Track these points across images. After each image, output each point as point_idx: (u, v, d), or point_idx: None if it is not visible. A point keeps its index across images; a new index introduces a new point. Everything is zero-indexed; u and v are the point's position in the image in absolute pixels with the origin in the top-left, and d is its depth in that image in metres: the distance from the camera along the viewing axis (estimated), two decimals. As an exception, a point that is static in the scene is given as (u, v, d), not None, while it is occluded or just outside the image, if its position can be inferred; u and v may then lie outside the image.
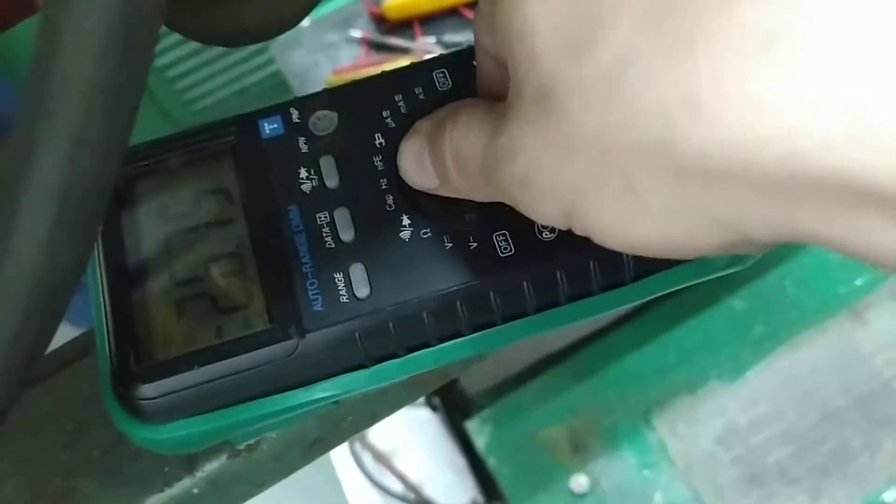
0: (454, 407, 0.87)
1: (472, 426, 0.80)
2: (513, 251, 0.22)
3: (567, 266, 0.22)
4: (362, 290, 0.22)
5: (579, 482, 0.76)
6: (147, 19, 0.12)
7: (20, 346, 0.14)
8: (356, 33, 0.93)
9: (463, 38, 0.89)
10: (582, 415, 0.79)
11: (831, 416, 0.76)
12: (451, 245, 0.23)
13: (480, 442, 0.79)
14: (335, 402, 0.25)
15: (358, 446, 0.87)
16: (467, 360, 0.28)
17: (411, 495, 0.84)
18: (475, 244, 0.23)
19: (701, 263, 0.23)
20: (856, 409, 0.76)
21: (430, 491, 0.85)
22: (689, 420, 0.78)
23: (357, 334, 0.22)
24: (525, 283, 0.22)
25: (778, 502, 0.74)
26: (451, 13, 0.91)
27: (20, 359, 0.14)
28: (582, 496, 0.75)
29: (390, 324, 0.22)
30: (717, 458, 0.76)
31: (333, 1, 0.96)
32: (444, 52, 0.26)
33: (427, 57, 0.26)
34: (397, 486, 0.85)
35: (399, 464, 0.86)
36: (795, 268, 0.81)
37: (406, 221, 0.23)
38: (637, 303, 0.24)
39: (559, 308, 0.23)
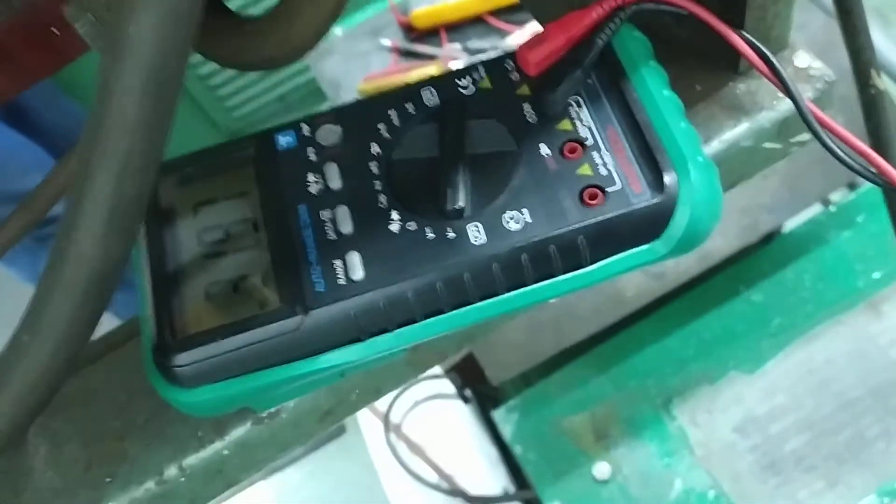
0: (486, 398, 0.90)
1: (498, 415, 0.83)
2: (485, 240, 0.26)
3: (530, 250, 0.26)
4: (357, 274, 0.26)
5: (601, 469, 0.78)
6: (174, 77, 0.16)
7: (80, 318, 0.18)
8: (386, 42, 0.97)
9: (487, 44, 0.93)
10: (604, 404, 0.81)
11: (848, 406, 0.78)
12: (432, 236, 0.27)
13: (507, 430, 0.82)
14: (341, 374, 0.29)
15: (393, 437, 0.91)
16: (456, 337, 0.32)
17: (445, 484, 0.87)
18: (453, 234, 0.27)
19: (643, 252, 0.27)
20: (872, 398, 0.78)
21: (463, 480, 0.87)
22: (708, 409, 0.80)
23: (353, 311, 0.26)
24: (494, 266, 0.26)
25: (795, 489, 0.76)
26: (476, 21, 0.95)
27: (79, 329, 0.19)
28: (604, 482, 0.78)
29: (381, 303, 0.26)
30: (735, 447, 0.78)
31: (364, 11, 1.01)
32: (433, 74, 0.30)
33: (413, 80, 0.30)
34: (432, 476, 0.87)
35: (433, 454, 0.89)
36: (814, 261, 0.83)
37: (395, 216, 0.27)
38: (596, 283, 0.27)
39: (527, 288, 0.27)
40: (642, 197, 0.26)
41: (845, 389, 0.79)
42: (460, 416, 0.92)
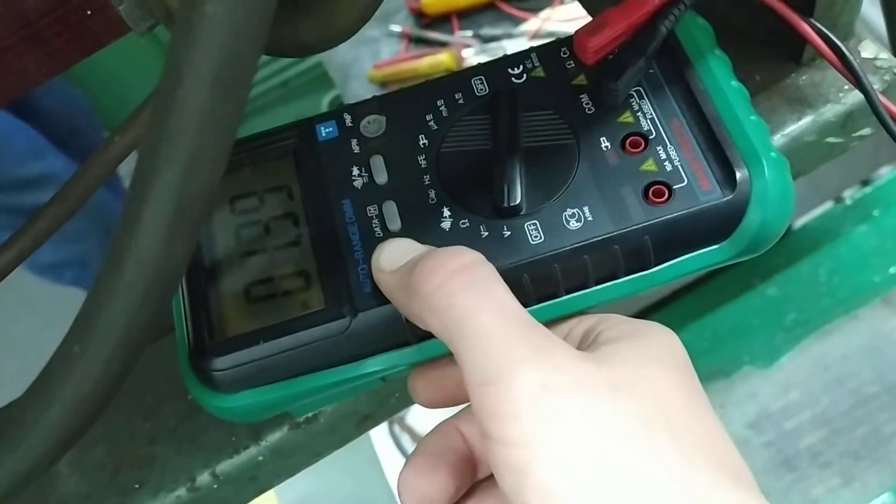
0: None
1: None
2: (542, 238, 0.25)
3: (593, 250, 0.25)
4: None
5: (613, 464, 0.77)
6: (249, 64, 0.15)
7: (138, 325, 0.17)
8: (396, 28, 0.95)
9: (500, 31, 0.91)
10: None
11: (864, 402, 0.77)
12: (486, 234, 0.25)
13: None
14: (382, 379, 0.27)
15: (397, 428, 0.90)
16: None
17: (449, 476, 0.86)
18: (508, 233, 0.25)
19: (712, 253, 0.25)
20: (888, 395, 0.77)
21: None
22: (722, 404, 0.79)
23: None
24: (554, 266, 0.25)
25: (810, 485, 0.75)
26: (488, 7, 0.93)
27: (137, 337, 0.17)
28: (616, 477, 0.77)
29: None
30: (749, 442, 0.77)
31: (373, -3, 0.99)
32: (482, 60, 0.29)
33: (467, 65, 0.29)
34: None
35: (437, 446, 0.88)
36: (829, 256, 0.82)
37: (447, 213, 0.26)
38: (660, 285, 0.26)
39: (588, 290, 0.25)
40: (711, 194, 0.25)
41: (861, 385, 0.78)
42: (465, 408, 0.91)
